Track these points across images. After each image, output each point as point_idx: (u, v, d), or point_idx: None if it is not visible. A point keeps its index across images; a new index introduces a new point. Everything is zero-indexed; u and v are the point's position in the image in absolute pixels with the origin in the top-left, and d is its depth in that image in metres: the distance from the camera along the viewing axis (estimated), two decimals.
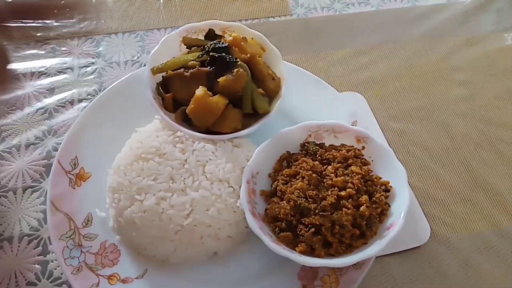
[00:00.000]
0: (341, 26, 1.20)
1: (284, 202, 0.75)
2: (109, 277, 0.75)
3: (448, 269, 0.81)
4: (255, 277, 0.77)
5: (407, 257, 0.82)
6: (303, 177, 0.77)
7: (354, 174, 0.76)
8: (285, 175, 0.79)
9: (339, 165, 0.78)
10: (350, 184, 0.74)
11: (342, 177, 0.75)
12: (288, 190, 0.76)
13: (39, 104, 1.01)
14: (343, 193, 0.73)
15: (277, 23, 1.20)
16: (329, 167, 0.78)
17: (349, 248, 0.72)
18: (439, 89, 1.07)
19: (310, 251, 0.72)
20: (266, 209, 0.78)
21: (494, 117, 1.02)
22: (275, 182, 0.80)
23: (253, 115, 0.85)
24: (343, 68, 1.11)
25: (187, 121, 0.84)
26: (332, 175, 0.76)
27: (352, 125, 0.89)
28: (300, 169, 0.78)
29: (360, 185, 0.75)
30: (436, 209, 0.88)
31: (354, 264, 0.72)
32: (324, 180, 0.77)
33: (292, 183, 0.77)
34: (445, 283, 0.79)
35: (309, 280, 0.75)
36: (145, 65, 1.08)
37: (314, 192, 0.74)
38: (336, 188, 0.74)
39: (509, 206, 0.88)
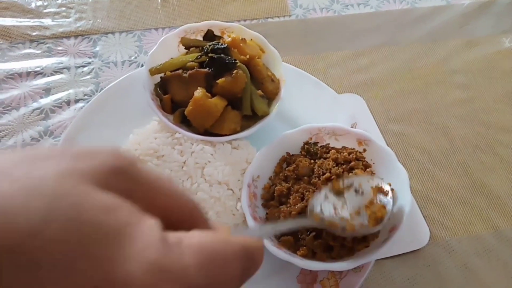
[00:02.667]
0: (340, 28, 1.19)
1: (284, 206, 0.74)
2: None
3: (447, 272, 0.81)
4: (253, 281, 0.75)
5: (407, 260, 0.82)
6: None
7: None
8: (283, 178, 0.79)
9: (342, 167, 0.78)
10: None
11: None
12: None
13: (35, 105, 0.99)
14: None
15: (275, 23, 1.19)
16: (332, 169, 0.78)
17: (351, 252, 0.71)
18: (438, 92, 1.07)
19: (312, 255, 0.71)
20: (266, 213, 0.77)
21: (493, 120, 1.01)
22: (272, 186, 0.79)
23: (252, 117, 0.84)
24: (342, 69, 1.10)
25: (185, 123, 0.83)
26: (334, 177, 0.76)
27: (352, 127, 0.88)
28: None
29: None
30: (435, 212, 0.88)
31: (354, 268, 0.72)
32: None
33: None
34: (444, 287, 0.79)
35: (308, 283, 0.75)
36: (142, 66, 1.07)
37: None
38: None
39: (508, 209, 0.88)
